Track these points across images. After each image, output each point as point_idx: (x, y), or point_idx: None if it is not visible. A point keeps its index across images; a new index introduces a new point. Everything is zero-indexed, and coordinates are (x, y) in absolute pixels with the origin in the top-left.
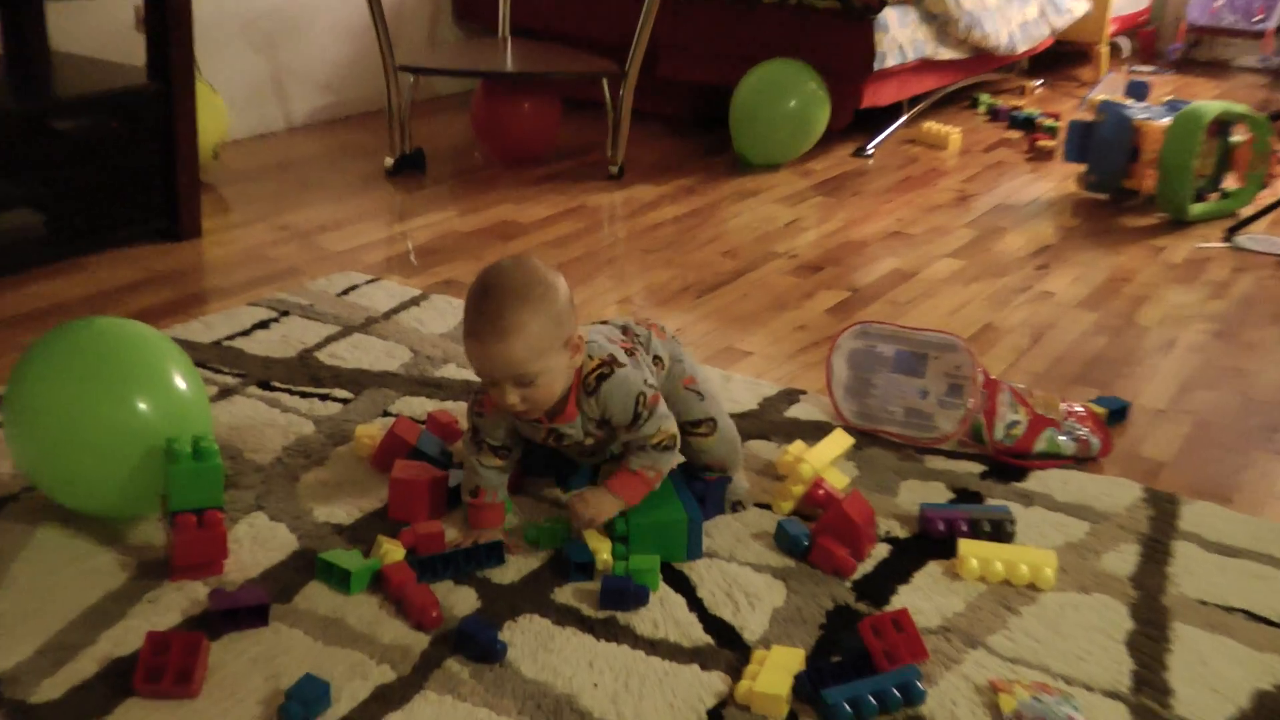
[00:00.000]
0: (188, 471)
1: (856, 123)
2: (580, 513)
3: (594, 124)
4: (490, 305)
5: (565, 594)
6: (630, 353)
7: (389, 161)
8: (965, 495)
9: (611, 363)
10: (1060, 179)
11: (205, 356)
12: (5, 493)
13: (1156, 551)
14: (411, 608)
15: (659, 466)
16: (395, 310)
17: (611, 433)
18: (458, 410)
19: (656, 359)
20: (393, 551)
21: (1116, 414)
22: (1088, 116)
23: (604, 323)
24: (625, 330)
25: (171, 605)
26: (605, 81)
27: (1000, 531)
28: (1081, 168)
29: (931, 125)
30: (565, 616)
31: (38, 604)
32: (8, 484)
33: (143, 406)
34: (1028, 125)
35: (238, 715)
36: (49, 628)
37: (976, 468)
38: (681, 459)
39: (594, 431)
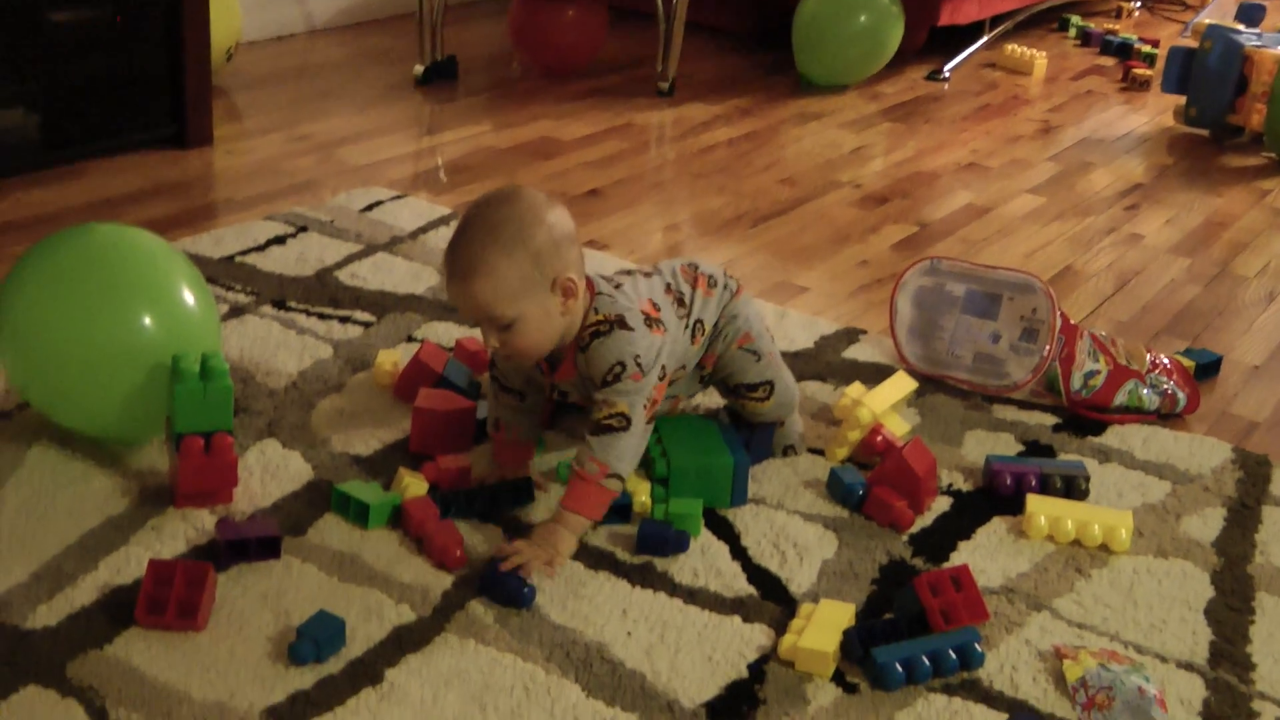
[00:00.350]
0: (195, 392)
1: (932, 43)
2: (529, 557)
3: (643, 35)
4: (461, 241)
5: (599, 537)
6: (652, 324)
7: (418, 70)
8: (1036, 449)
9: (617, 322)
10: (1156, 112)
11: (215, 272)
12: None
13: (1244, 517)
14: (433, 546)
15: (600, 456)
16: (422, 230)
17: None
18: None
19: (698, 324)
20: (414, 486)
21: (1207, 368)
22: (1191, 43)
23: (651, 273)
24: (669, 288)
25: (176, 534)
26: None
27: (1073, 489)
28: (1181, 100)
29: (1015, 48)
30: (599, 561)
31: (31, 527)
32: (0, 400)
33: (147, 321)
34: (1123, 52)
35: (245, 652)
36: (44, 552)
37: (1050, 420)
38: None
39: (589, 394)
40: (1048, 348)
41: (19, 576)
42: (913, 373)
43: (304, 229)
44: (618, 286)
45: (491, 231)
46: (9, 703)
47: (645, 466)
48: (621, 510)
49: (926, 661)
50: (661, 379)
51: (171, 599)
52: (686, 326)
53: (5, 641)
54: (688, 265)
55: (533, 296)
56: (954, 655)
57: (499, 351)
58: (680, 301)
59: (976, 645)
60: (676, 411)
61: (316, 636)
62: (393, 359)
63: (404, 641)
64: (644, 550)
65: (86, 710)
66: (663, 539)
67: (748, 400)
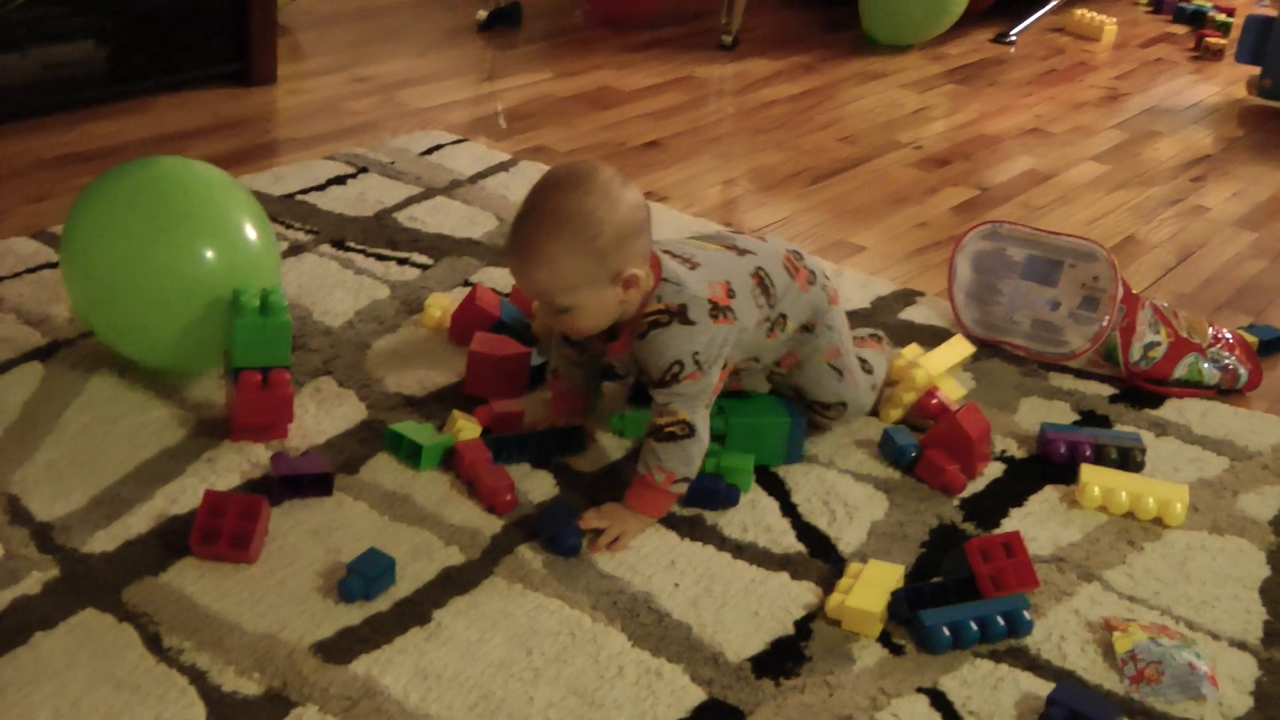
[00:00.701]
0: (254, 327)
1: (1000, 5)
2: (596, 524)
3: None
4: (526, 224)
5: None
6: (719, 313)
7: (481, 15)
8: (1092, 419)
9: (677, 314)
10: (1228, 82)
11: (275, 210)
12: (61, 336)
13: None
14: (484, 489)
15: (667, 466)
16: (481, 175)
17: None
18: None
19: (781, 318)
20: (467, 428)
21: (1270, 344)
22: (1270, 12)
23: (747, 251)
24: (758, 273)
25: (231, 466)
26: None
27: (1128, 460)
28: (1255, 71)
29: (1084, 13)
30: None
31: (91, 454)
32: (63, 328)
33: (209, 254)
34: (1196, 19)
35: (295, 585)
36: (102, 479)
37: (1107, 390)
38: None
39: (638, 375)
40: (1108, 317)
41: (79, 501)
42: (969, 337)
43: (364, 170)
44: (693, 267)
45: (559, 223)
46: (68, 623)
47: None
48: None
49: (974, 626)
50: (724, 368)
51: (225, 530)
52: (766, 318)
53: (66, 564)
54: (793, 253)
55: (592, 288)
56: (1002, 622)
57: (553, 326)
58: (766, 290)
59: (1025, 613)
60: None
61: (366, 574)
62: (442, 304)
63: (452, 583)
64: (693, 503)
65: (141, 635)
66: (713, 492)
67: (819, 415)
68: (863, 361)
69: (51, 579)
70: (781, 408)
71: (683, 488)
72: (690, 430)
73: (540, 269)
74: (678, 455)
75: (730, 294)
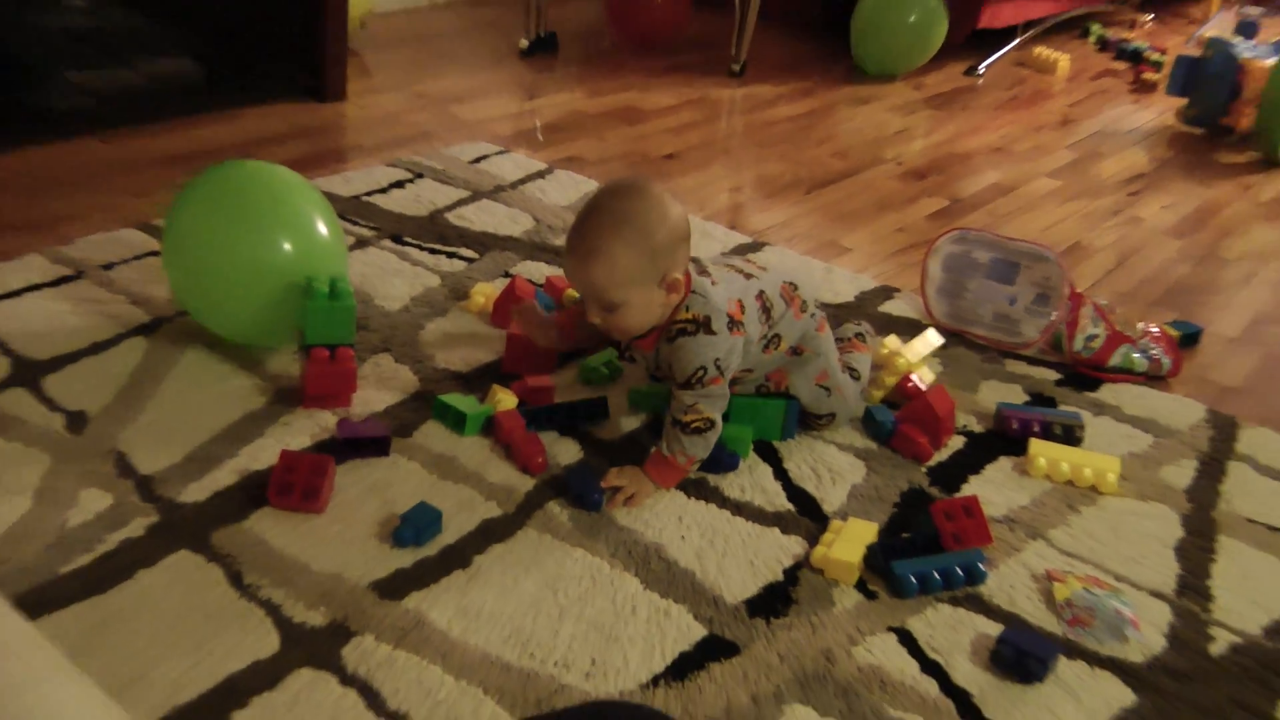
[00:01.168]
0: (324, 309)
1: (972, 42)
2: (619, 492)
3: (721, 21)
4: (589, 224)
5: None
6: (733, 325)
7: (523, 42)
8: (1041, 399)
9: (703, 324)
10: (1160, 111)
11: (344, 209)
12: (162, 314)
13: (1213, 469)
14: (519, 453)
15: (689, 452)
16: (521, 181)
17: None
18: None
19: (776, 337)
20: (505, 400)
21: (1190, 338)
22: (1195, 52)
23: (754, 275)
24: (761, 296)
25: (302, 430)
26: None
27: (1070, 436)
28: (1183, 101)
29: (1042, 50)
30: None
31: (185, 416)
32: (163, 307)
33: (286, 246)
34: (1135, 57)
35: (356, 533)
36: (194, 438)
37: (1054, 375)
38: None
39: (658, 371)
40: (1056, 312)
41: (175, 457)
42: (939, 327)
43: (420, 175)
44: (714, 283)
45: (619, 222)
46: (165, 562)
47: None
48: None
49: (938, 576)
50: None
51: (298, 484)
52: (764, 336)
53: (164, 511)
54: (790, 284)
55: (642, 287)
56: (961, 572)
57: (598, 325)
58: (767, 312)
59: (981, 565)
60: None
61: (417, 524)
62: (485, 292)
63: (490, 533)
64: (700, 468)
65: (225, 574)
66: (717, 460)
67: (814, 424)
68: (851, 370)
69: (152, 524)
70: None
71: (696, 466)
72: (712, 424)
73: (600, 264)
74: (700, 444)
75: (742, 310)
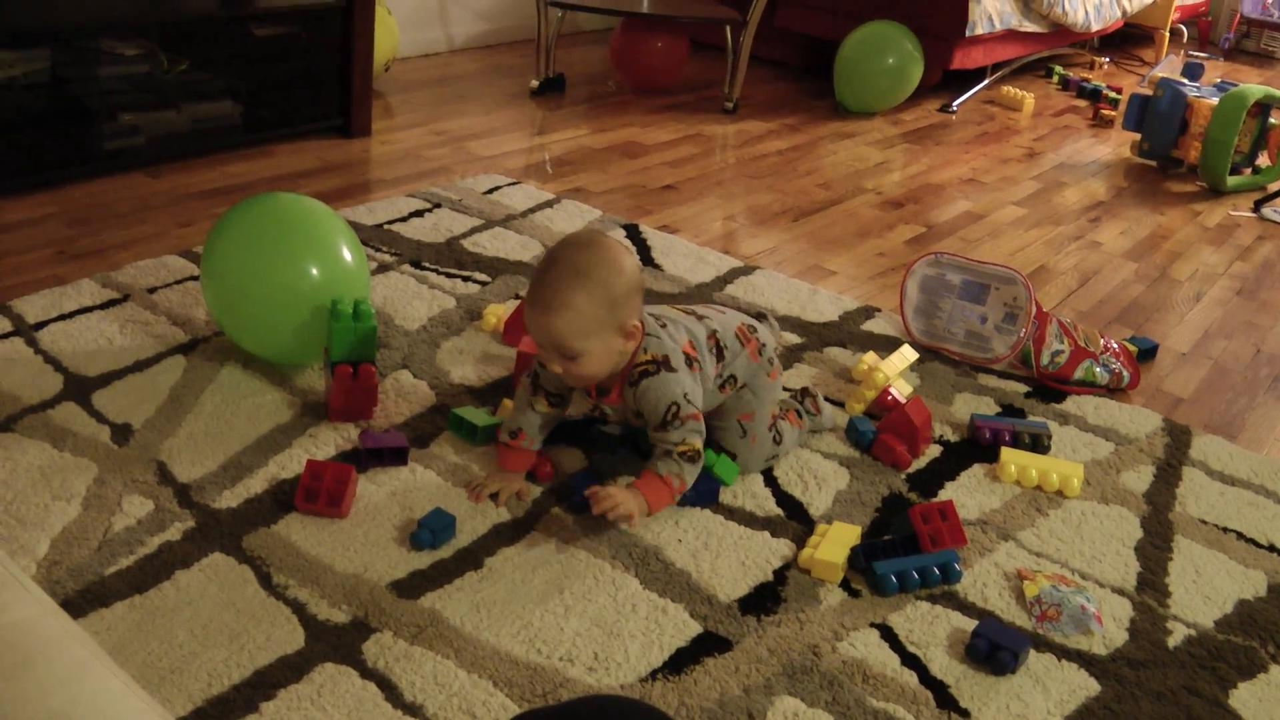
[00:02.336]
0: (348, 329)
1: (945, 82)
2: (600, 500)
3: (715, 64)
4: (550, 278)
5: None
6: (691, 363)
7: (534, 83)
8: (1010, 410)
9: (662, 363)
10: (1117, 145)
11: (367, 236)
12: (200, 334)
13: (1168, 474)
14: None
15: (684, 476)
16: (531, 210)
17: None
18: None
19: (732, 378)
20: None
21: (1146, 353)
22: (1147, 92)
23: (704, 316)
24: (714, 336)
25: (328, 441)
26: (728, 27)
27: (1038, 444)
28: (1137, 136)
29: (1010, 89)
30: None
31: (221, 428)
32: (202, 328)
33: (314, 271)
34: (1094, 96)
35: (377, 536)
36: (229, 449)
37: (1022, 388)
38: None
39: (633, 419)
40: (1024, 330)
41: (210, 466)
42: (915, 344)
43: (438, 205)
44: (664, 326)
45: (579, 274)
46: (200, 564)
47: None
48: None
49: (916, 575)
50: None
51: (323, 491)
52: (719, 375)
53: (200, 516)
54: (748, 326)
55: (602, 335)
56: (938, 571)
57: (559, 374)
58: (719, 354)
59: (956, 565)
60: None
61: (433, 528)
62: (497, 313)
63: (501, 536)
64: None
65: (256, 574)
66: (699, 490)
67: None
68: (776, 433)
69: (189, 528)
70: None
71: (680, 495)
72: (699, 454)
73: (563, 316)
74: (692, 472)
75: (694, 348)
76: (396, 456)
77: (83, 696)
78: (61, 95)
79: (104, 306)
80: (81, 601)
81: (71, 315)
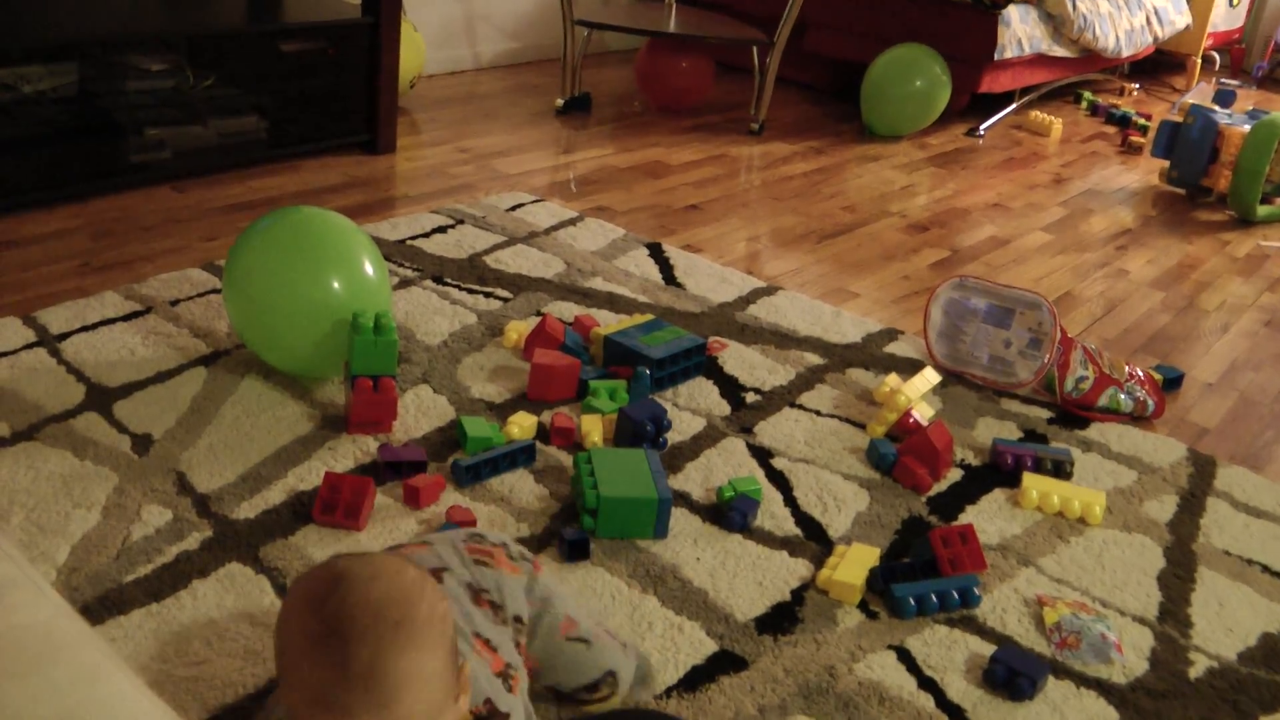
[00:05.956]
0: (369, 343)
1: (972, 106)
2: None
3: (742, 85)
4: (354, 653)
5: (676, 482)
6: (506, 677)
7: (559, 102)
8: (1033, 436)
9: (489, 716)
10: (1146, 172)
11: (390, 252)
12: (221, 347)
13: (1192, 504)
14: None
15: None
16: (554, 228)
17: None
18: (601, 316)
19: (517, 620)
20: (519, 433)
21: (1172, 382)
22: (1177, 118)
23: (444, 570)
24: (478, 596)
25: (346, 453)
26: (755, 49)
27: (1060, 470)
28: (1166, 164)
29: (1037, 114)
30: (677, 500)
31: (240, 440)
32: (223, 340)
33: (336, 285)
34: (1123, 122)
35: None
36: (248, 460)
37: (1045, 413)
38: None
39: None
40: (1048, 355)
41: (229, 478)
42: (939, 368)
43: (461, 221)
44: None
45: (401, 627)
46: (218, 573)
47: (578, 497)
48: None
49: (935, 598)
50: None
51: (340, 503)
52: (511, 637)
53: (218, 526)
54: (472, 539)
55: (447, 704)
56: (957, 595)
57: None
58: (495, 606)
59: (975, 589)
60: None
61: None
62: (518, 329)
63: None
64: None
65: (273, 585)
66: (734, 517)
67: (590, 702)
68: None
69: (207, 538)
70: (652, 485)
71: None
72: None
73: (405, 697)
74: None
75: (491, 646)
76: (415, 470)
77: (95, 699)
78: (89, 109)
79: (127, 318)
80: (99, 608)
81: (95, 327)
